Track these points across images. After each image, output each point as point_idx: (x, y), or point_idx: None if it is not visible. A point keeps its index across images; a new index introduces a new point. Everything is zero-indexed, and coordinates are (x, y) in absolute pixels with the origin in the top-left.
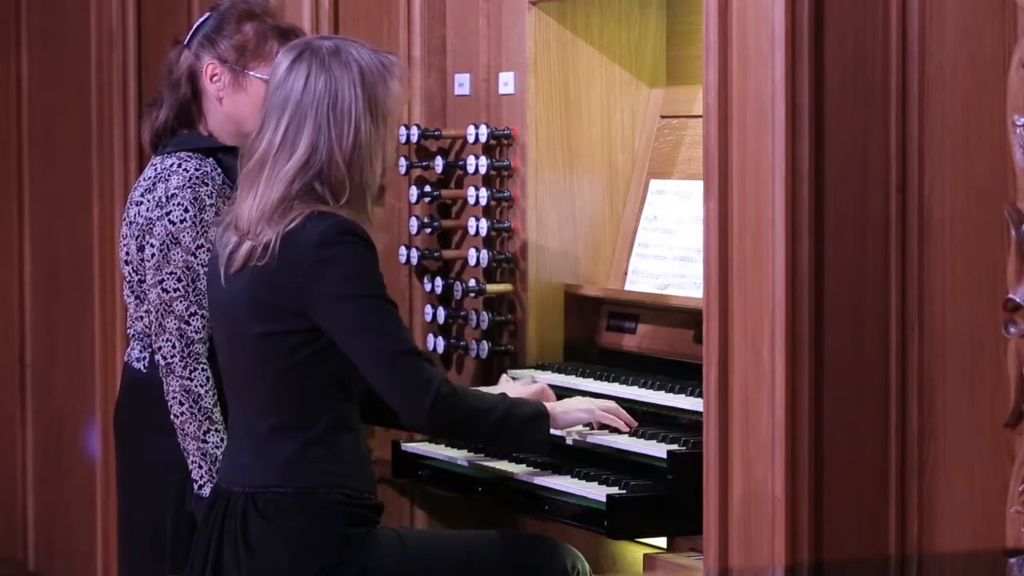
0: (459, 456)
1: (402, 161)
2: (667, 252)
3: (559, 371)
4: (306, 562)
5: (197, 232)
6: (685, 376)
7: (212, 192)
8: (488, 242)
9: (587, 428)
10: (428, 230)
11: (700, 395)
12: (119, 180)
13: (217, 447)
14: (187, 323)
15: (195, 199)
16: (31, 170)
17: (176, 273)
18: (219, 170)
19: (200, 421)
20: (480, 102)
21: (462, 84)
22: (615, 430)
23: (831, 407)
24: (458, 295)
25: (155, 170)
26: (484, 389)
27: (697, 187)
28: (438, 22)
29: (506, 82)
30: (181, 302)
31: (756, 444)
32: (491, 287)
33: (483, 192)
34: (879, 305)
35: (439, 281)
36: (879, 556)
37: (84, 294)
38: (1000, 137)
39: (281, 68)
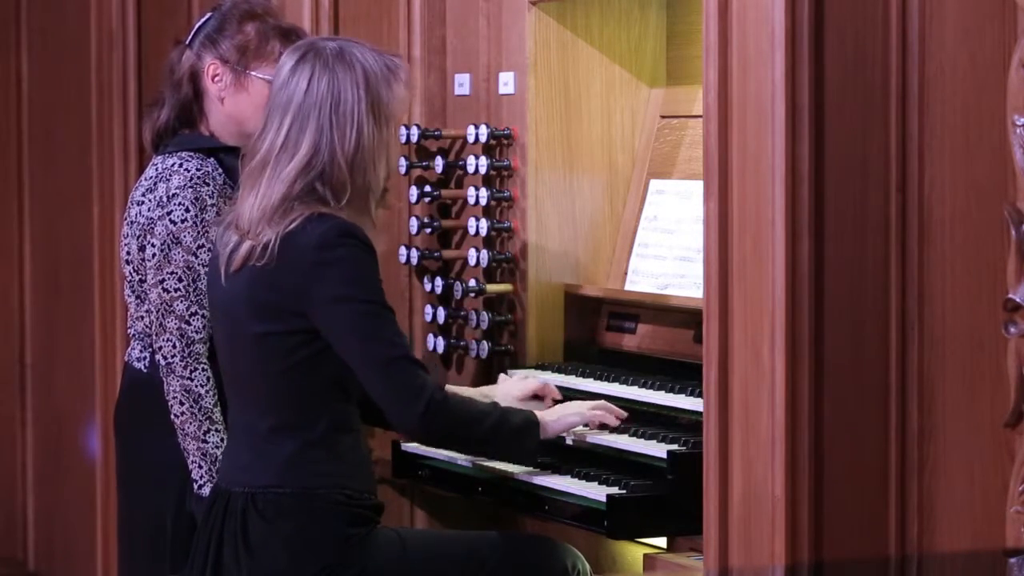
0: (459, 456)
1: (402, 161)
2: (667, 252)
3: (559, 371)
4: (306, 562)
5: (198, 232)
6: (685, 376)
7: (213, 192)
8: (488, 242)
9: (585, 428)
10: (428, 230)
11: (700, 395)
12: (119, 180)
13: (217, 447)
14: (188, 323)
15: (196, 199)
16: (31, 170)
17: (177, 273)
18: (220, 170)
19: (200, 421)
20: (480, 102)
21: (462, 84)
22: (613, 428)
23: (831, 407)
24: (458, 295)
25: (156, 170)
26: (484, 388)
27: (697, 187)
28: (438, 22)
29: (506, 82)
30: (182, 302)
31: (756, 444)
32: (491, 287)
33: (483, 192)
34: (879, 305)
35: (439, 281)
36: (879, 556)
37: (84, 294)
38: (1000, 137)
39: (285, 68)
